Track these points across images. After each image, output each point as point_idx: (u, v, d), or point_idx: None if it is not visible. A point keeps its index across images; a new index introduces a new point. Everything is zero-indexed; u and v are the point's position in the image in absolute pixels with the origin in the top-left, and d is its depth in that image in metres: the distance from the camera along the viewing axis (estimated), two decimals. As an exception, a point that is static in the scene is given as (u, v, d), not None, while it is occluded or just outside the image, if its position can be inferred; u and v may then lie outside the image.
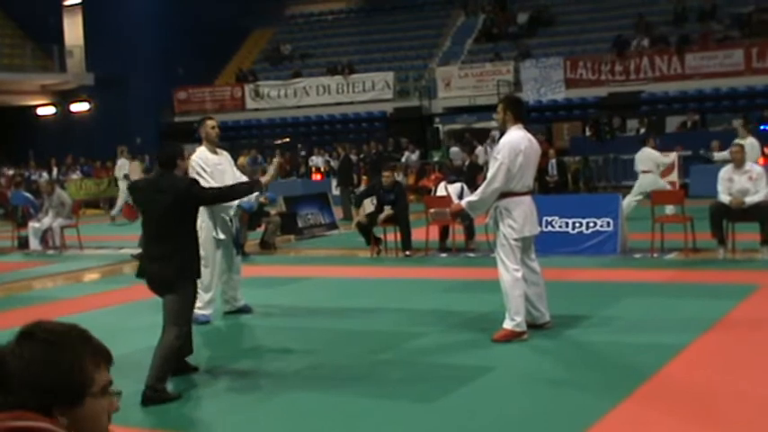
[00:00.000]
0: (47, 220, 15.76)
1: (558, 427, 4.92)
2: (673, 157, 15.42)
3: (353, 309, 8.79)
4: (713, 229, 10.69)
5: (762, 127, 21.90)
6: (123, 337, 7.26)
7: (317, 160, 27.76)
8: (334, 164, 25.72)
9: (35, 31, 34.66)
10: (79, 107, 35.28)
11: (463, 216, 10.81)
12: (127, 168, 22.57)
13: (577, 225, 11.85)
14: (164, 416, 5.52)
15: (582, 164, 23.18)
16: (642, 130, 23.46)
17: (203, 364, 6.67)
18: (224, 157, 8.45)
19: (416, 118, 29.40)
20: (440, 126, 29.40)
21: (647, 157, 14.82)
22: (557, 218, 11.92)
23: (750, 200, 10.49)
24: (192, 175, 7.65)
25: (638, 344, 6.61)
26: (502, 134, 7.31)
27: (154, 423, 5.42)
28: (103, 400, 1.84)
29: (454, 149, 23.51)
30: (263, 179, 6.61)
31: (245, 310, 8.71)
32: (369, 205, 13.55)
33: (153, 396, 5.65)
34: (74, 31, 35.28)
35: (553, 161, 21.39)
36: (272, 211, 14.56)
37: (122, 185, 22.36)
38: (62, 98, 35.57)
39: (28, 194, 18.92)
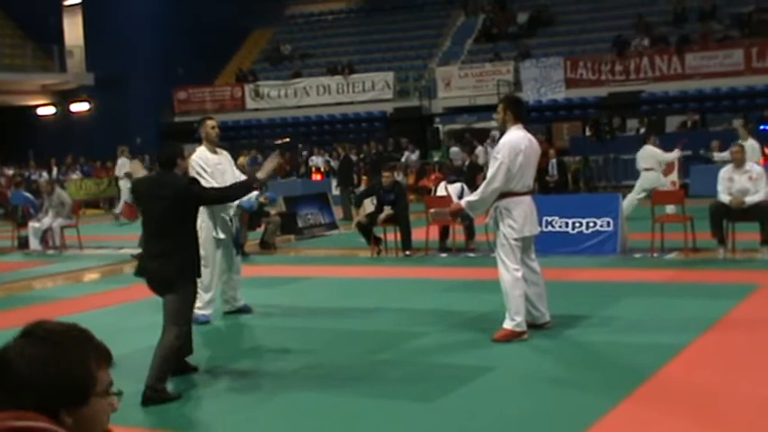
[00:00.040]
0: (47, 220, 15.76)
1: (557, 426, 4.92)
2: (676, 153, 15.43)
3: (353, 309, 8.79)
4: (713, 229, 10.69)
5: (762, 127, 21.91)
6: (123, 337, 7.26)
7: (316, 160, 27.76)
8: (334, 164, 25.72)
9: (35, 31, 34.67)
10: (79, 107, 35.29)
11: (463, 216, 10.81)
12: (127, 167, 22.57)
13: (577, 225, 11.85)
14: (164, 416, 5.52)
15: (582, 164, 23.18)
16: (642, 130, 23.46)
17: (203, 364, 6.67)
18: (224, 157, 8.45)
19: (416, 118, 29.40)
20: (440, 126, 29.40)
21: (648, 155, 14.84)
22: (557, 218, 11.92)
23: (750, 200, 10.49)
24: (192, 174, 7.65)
25: (638, 344, 6.61)
26: (502, 134, 7.31)
27: (154, 423, 5.42)
28: (105, 401, 1.85)
29: (454, 149, 23.53)
30: (259, 174, 6.58)
31: (244, 310, 8.71)
32: (369, 205, 13.55)
33: (153, 396, 5.65)
34: (74, 31, 35.29)
35: (553, 161, 21.40)
36: (272, 211, 14.57)
37: (123, 184, 22.37)
38: (62, 98, 35.59)
39: (28, 194, 18.93)
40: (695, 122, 24.04)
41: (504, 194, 6.95)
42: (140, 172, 19.09)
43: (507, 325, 6.90)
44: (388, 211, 12.81)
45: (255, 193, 9.08)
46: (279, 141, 29.68)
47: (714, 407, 5.09)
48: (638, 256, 11.31)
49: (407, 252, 12.63)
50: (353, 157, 23.57)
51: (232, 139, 28.81)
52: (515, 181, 6.93)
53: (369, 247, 12.90)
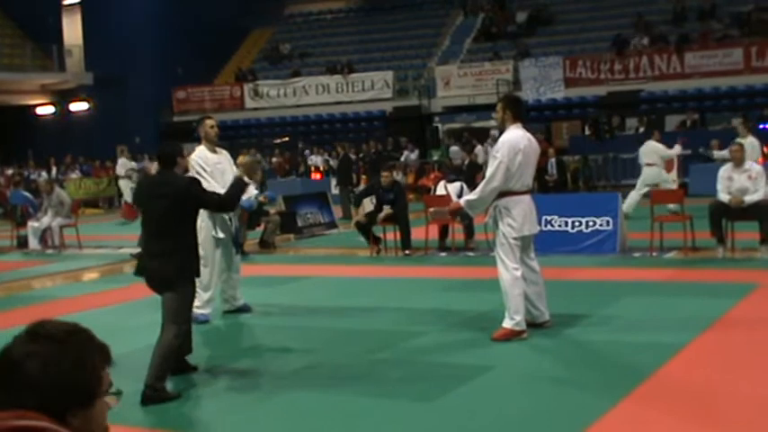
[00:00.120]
0: (46, 220, 15.75)
1: (557, 426, 4.92)
2: (677, 149, 15.46)
3: (353, 308, 8.79)
4: (712, 228, 10.69)
5: (761, 126, 21.90)
6: (122, 337, 7.25)
7: (316, 159, 27.75)
8: (333, 163, 25.71)
9: (34, 30, 34.67)
10: (78, 107, 35.28)
11: (462, 215, 10.81)
12: (128, 167, 22.59)
13: (577, 224, 11.85)
14: (163, 415, 5.52)
15: (581, 163, 23.18)
16: (641, 129, 23.47)
17: (203, 363, 6.67)
18: (223, 156, 8.44)
19: (416, 117, 29.40)
20: (439, 125, 29.40)
21: (651, 150, 14.88)
22: (556, 217, 11.92)
23: (749, 199, 10.49)
24: (192, 174, 7.65)
25: (638, 343, 6.61)
26: (501, 133, 7.31)
27: (153, 422, 5.41)
28: (105, 400, 1.85)
29: (454, 148, 23.49)
30: (237, 172, 6.57)
31: (244, 309, 8.71)
32: (368, 204, 13.55)
33: (152, 395, 5.64)
34: (73, 30, 35.29)
35: (552, 160, 21.39)
36: (272, 211, 14.57)
37: (123, 184, 22.37)
38: (61, 98, 35.58)
39: (27, 194, 18.92)
40: (694, 121, 24.04)
41: (504, 193, 6.95)
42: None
43: (507, 324, 6.90)
44: (387, 210, 12.80)
45: (255, 192, 9.11)
46: (278, 141, 29.72)
47: (714, 406, 5.09)
48: (637, 255, 11.30)
49: (407, 251, 12.62)
50: (353, 157, 23.54)
51: (231, 139, 28.81)
52: (514, 180, 6.93)
53: (368, 247, 12.90)
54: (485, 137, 24.84)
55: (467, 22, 33.02)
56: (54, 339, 1.79)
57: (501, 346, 6.71)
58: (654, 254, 11.18)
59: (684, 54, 25.98)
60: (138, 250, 6.34)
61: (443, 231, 13.02)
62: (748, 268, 9.95)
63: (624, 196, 13.50)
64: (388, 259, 12.54)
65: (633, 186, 15.65)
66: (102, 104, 34.13)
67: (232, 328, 8.33)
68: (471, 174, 16.44)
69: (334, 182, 22.60)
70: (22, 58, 34.37)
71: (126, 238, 15.60)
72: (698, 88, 25.82)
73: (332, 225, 16.72)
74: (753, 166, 10.97)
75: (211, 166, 8.16)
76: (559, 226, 11.92)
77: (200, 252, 6.54)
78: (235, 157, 9.20)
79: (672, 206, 12.92)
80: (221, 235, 8.26)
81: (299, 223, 16.02)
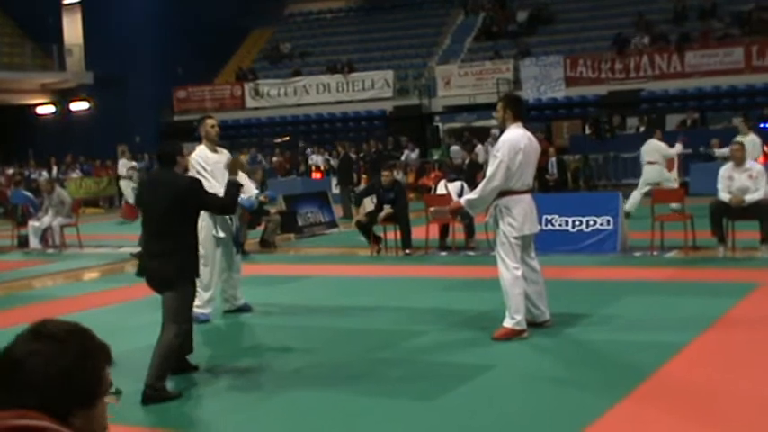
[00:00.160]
0: (46, 219, 15.76)
1: (557, 425, 4.92)
2: (678, 148, 15.47)
3: (353, 307, 8.79)
4: (713, 228, 10.68)
5: (761, 125, 21.89)
6: (123, 336, 7.25)
7: (316, 159, 27.75)
8: (333, 162, 25.71)
9: (34, 29, 34.67)
10: (79, 106, 35.28)
11: (463, 214, 10.79)
12: (128, 167, 22.57)
13: (577, 223, 11.85)
14: (164, 415, 5.52)
15: (582, 162, 23.17)
16: (642, 129, 23.47)
17: (203, 362, 6.67)
18: (224, 155, 8.42)
19: (416, 116, 29.39)
20: (439, 124, 29.40)
21: (653, 149, 14.89)
22: (557, 216, 11.92)
23: (750, 198, 10.49)
24: (192, 173, 7.65)
25: (638, 342, 6.61)
26: (501, 132, 7.31)
27: (154, 422, 5.41)
28: (105, 400, 1.85)
29: (454, 148, 23.50)
30: (230, 175, 6.58)
31: (244, 308, 8.71)
32: (369, 204, 13.55)
33: (153, 395, 5.64)
34: (73, 29, 35.28)
35: (553, 159, 21.41)
36: (272, 210, 14.57)
37: (124, 184, 22.35)
38: (61, 97, 35.58)
39: (28, 193, 18.92)
40: (695, 121, 24.03)
41: (504, 193, 6.95)
42: None
43: (507, 323, 6.90)
44: (387, 209, 12.80)
45: (256, 191, 9.10)
46: (278, 140, 29.72)
47: (714, 405, 5.09)
48: (638, 254, 11.30)
49: (407, 251, 12.62)
50: (353, 156, 23.56)
51: (232, 138, 28.83)
52: (515, 179, 6.93)
53: (368, 246, 12.90)
54: (485, 136, 24.83)
55: (467, 21, 33.01)
56: (55, 339, 1.78)
57: (501, 346, 6.71)
58: (654, 253, 11.18)
59: (685, 53, 25.97)
60: (139, 249, 6.34)
61: (444, 231, 13.02)
62: (749, 268, 9.94)
63: (625, 196, 13.49)
64: (388, 259, 12.54)
65: (634, 186, 15.66)
66: (103, 104, 34.13)
67: (233, 327, 8.33)
68: (472, 173, 16.45)
69: (334, 181, 22.60)
70: (22, 58, 34.38)
71: (126, 237, 15.61)
72: (698, 87, 25.81)
73: (332, 224, 16.73)
74: (753, 165, 10.97)
75: (212, 166, 8.15)
76: (560, 225, 11.92)
77: (201, 251, 6.55)
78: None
79: (674, 205, 12.92)
80: (222, 234, 8.26)
81: (300, 223, 16.02)
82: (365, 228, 12.88)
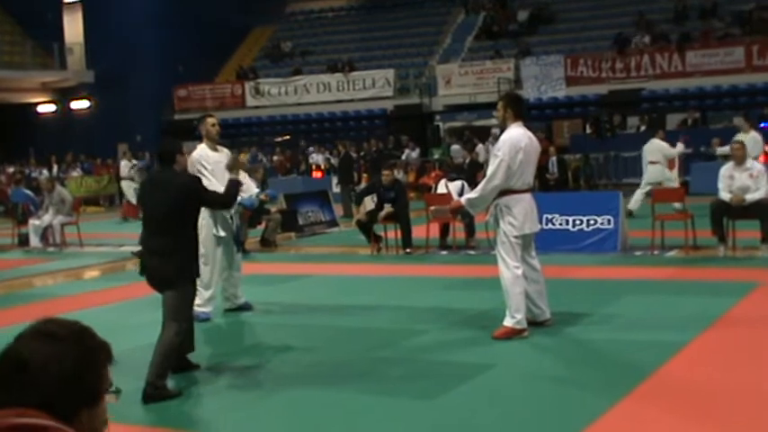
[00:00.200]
0: (47, 218, 15.77)
1: (558, 424, 4.92)
2: (680, 148, 15.48)
3: (354, 306, 8.79)
4: (714, 227, 10.68)
5: (762, 125, 21.89)
6: (124, 335, 7.25)
7: (317, 158, 27.75)
8: (334, 161, 25.71)
9: (35, 28, 34.66)
10: (79, 105, 35.28)
11: (463, 213, 10.79)
12: (129, 168, 22.57)
13: (578, 222, 11.85)
14: (164, 413, 5.52)
15: (582, 161, 23.18)
16: (643, 128, 23.46)
17: (204, 361, 6.67)
18: (224, 154, 8.42)
19: (417, 115, 29.39)
20: (440, 124, 29.39)
21: (655, 149, 14.90)
22: (557, 215, 11.92)
23: (751, 197, 10.49)
24: (193, 172, 7.65)
25: (639, 341, 6.61)
26: (502, 131, 7.31)
27: (154, 420, 5.42)
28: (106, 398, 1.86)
29: (455, 147, 23.52)
30: (231, 174, 6.61)
31: (245, 307, 8.71)
32: (369, 203, 13.55)
33: (153, 393, 5.64)
34: (74, 28, 35.27)
35: (553, 159, 21.41)
36: (273, 209, 14.57)
37: (126, 186, 22.33)
38: (62, 95, 35.58)
39: (28, 192, 18.92)
40: (696, 120, 24.02)
41: (505, 192, 6.95)
42: None
43: (507, 322, 6.90)
44: (388, 208, 12.80)
45: (256, 190, 9.10)
46: (279, 139, 29.72)
47: (715, 404, 5.09)
48: (638, 253, 11.30)
49: (408, 250, 12.62)
50: (354, 155, 23.57)
51: (232, 137, 28.84)
52: (515, 178, 6.93)
53: (369, 245, 12.90)
54: (486, 135, 24.83)
55: (468, 20, 33.00)
56: (57, 338, 1.78)
57: (502, 345, 6.71)
58: (655, 252, 11.18)
59: (686, 53, 25.96)
60: (139, 248, 6.34)
61: (444, 230, 13.02)
62: (749, 267, 9.95)
63: (625, 195, 13.50)
64: (388, 258, 12.54)
65: (634, 185, 15.66)
66: (104, 102, 34.13)
67: (233, 326, 8.33)
68: (472, 172, 16.47)
69: (335, 180, 22.60)
70: (22, 56, 34.38)
71: (127, 236, 15.61)
72: (699, 87, 25.80)
73: (333, 223, 16.72)
74: (754, 164, 10.97)
75: (212, 165, 8.15)
76: (560, 224, 11.92)
77: (202, 250, 6.55)
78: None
79: (677, 205, 12.92)
80: (222, 233, 8.27)
81: (300, 221, 16.02)
82: (366, 227, 12.88)
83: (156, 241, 5.98)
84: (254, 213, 12.74)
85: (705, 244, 11.07)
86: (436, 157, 26.70)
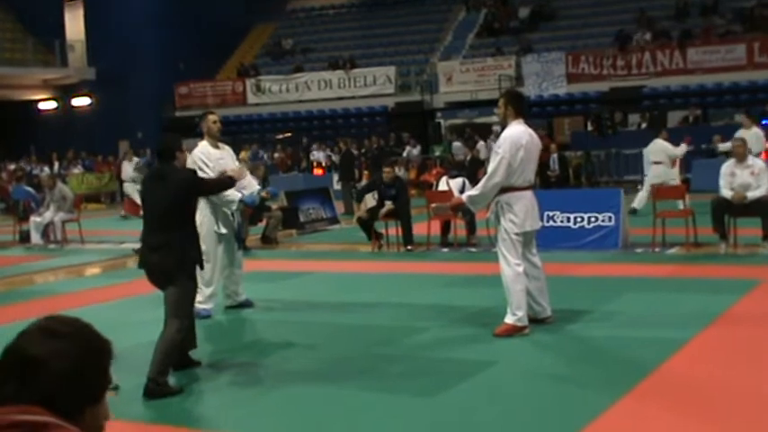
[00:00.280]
0: (48, 215, 15.77)
1: (559, 421, 4.92)
2: (684, 148, 15.49)
3: (355, 303, 8.79)
4: (715, 224, 10.68)
5: (764, 121, 21.88)
6: (125, 332, 7.26)
7: (318, 155, 27.76)
8: (335, 158, 25.72)
9: (36, 25, 34.68)
10: (80, 102, 35.30)
11: (464, 211, 10.79)
12: (132, 169, 22.53)
13: (579, 220, 11.85)
14: (165, 410, 5.52)
15: (583, 159, 23.17)
16: (644, 125, 23.46)
17: (205, 358, 6.67)
18: (226, 151, 8.45)
19: (418, 113, 29.39)
20: (441, 121, 29.40)
21: (659, 149, 14.90)
22: (558, 213, 11.92)
23: (752, 195, 10.48)
24: (194, 169, 7.65)
25: (640, 339, 6.61)
26: (503, 129, 7.30)
27: (155, 417, 5.42)
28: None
29: (456, 144, 23.55)
30: (230, 173, 6.68)
31: (246, 304, 8.72)
32: (370, 200, 13.55)
33: (155, 390, 5.65)
34: (75, 25, 35.28)
35: (555, 156, 21.40)
36: (274, 206, 14.58)
37: (129, 187, 22.29)
38: (63, 93, 35.60)
39: (29, 189, 18.93)
40: (697, 117, 24.01)
41: (506, 189, 6.95)
42: None
43: (508, 320, 6.90)
44: (389, 205, 12.80)
45: (258, 187, 9.10)
46: (280, 136, 29.74)
47: (716, 402, 5.09)
48: (639, 250, 11.30)
49: (408, 247, 12.62)
50: (355, 152, 23.57)
51: (234, 134, 28.82)
52: (516, 176, 6.92)
53: (370, 242, 12.90)
54: (487, 132, 24.84)
55: (469, 17, 32.99)
56: (58, 335, 1.78)
57: (503, 342, 6.71)
58: (656, 250, 11.18)
59: (687, 50, 25.95)
60: (140, 245, 6.36)
61: (445, 227, 13.01)
62: (751, 264, 9.94)
63: (627, 192, 13.49)
64: (389, 255, 12.54)
65: (636, 182, 15.65)
66: (105, 99, 34.14)
67: (234, 323, 8.33)
68: (473, 169, 16.47)
69: (336, 177, 22.60)
70: (23, 53, 34.39)
71: (128, 233, 15.62)
72: (700, 84, 25.79)
73: (334, 221, 16.72)
74: (755, 161, 10.96)
75: (214, 162, 8.15)
76: (561, 221, 11.92)
77: (203, 247, 6.55)
78: (237, 152, 9.21)
79: (681, 205, 12.90)
80: (224, 230, 8.27)
81: (302, 219, 16.02)
82: (366, 224, 12.88)
83: (156, 237, 5.98)
84: (255, 210, 12.74)
85: (706, 241, 11.07)
86: (437, 154, 26.70)
